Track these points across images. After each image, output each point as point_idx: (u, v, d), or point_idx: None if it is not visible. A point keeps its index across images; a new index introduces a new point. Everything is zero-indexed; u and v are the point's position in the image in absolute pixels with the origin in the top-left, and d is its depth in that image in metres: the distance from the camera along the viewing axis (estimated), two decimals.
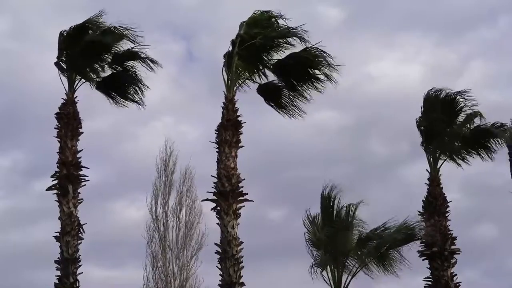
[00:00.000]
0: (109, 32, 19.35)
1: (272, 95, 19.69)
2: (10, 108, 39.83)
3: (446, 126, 19.97)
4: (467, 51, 46.06)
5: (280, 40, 18.79)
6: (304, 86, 19.22)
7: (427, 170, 19.90)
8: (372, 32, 44.99)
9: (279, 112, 19.75)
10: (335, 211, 19.46)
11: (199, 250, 31.27)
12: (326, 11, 43.63)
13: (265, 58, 19.11)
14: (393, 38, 45.53)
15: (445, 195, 19.68)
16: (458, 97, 19.99)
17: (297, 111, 19.64)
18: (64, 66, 19.43)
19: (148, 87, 20.13)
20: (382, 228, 19.11)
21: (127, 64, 19.96)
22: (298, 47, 18.76)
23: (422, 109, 20.12)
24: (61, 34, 19.36)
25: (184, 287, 30.65)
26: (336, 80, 18.64)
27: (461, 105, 20.11)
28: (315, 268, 18.60)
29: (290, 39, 18.72)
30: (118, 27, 19.31)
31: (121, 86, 20.22)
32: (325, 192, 19.43)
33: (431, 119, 19.96)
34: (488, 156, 20.25)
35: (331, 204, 19.52)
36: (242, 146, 18.44)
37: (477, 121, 20.10)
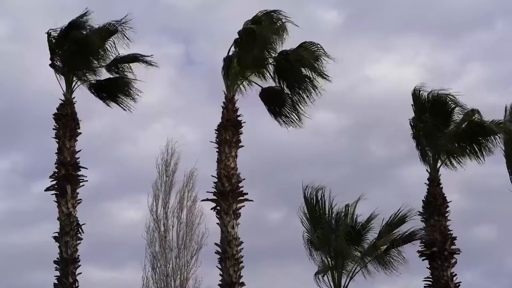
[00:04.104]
0: (99, 30, 19.32)
1: (274, 103, 19.66)
2: (8, 110, 39.81)
3: (440, 126, 19.94)
4: (464, 53, 46.13)
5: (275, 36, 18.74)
6: (302, 86, 19.19)
7: (426, 170, 19.88)
8: (370, 35, 45.03)
9: (279, 122, 19.77)
10: (327, 212, 19.20)
11: (199, 250, 31.29)
12: (324, 14, 43.67)
13: (264, 57, 19.08)
14: (391, 41, 45.54)
15: (444, 195, 19.66)
16: (448, 98, 19.97)
17: (298, 119, 19.65)
18: (60, 65, 19.43)
19: (138, 94, 20.13)
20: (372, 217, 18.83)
21: (123, 66, 19.94)
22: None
23: (413, 108, 20.14)
24: (49, 34, 19.32)
25: (185, 287, 30.62)
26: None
27: (452, 106, 20.08)
28: (319, 275, 18.49)
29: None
30: (109, 24, 19.27)
31: (113, 90, 20.17)
32: (306, 193, 19.04)
33: (423, 119, 20.01)
34: (483, 154, 20.17)
35: (317, 205, 19.17)
36: (242, 146, 18.47)
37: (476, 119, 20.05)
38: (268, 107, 19.76)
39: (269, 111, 19.79)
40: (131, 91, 19.99)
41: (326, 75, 18.81)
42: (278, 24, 18.70)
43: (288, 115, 19.71)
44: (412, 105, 20.16)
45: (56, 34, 19.31)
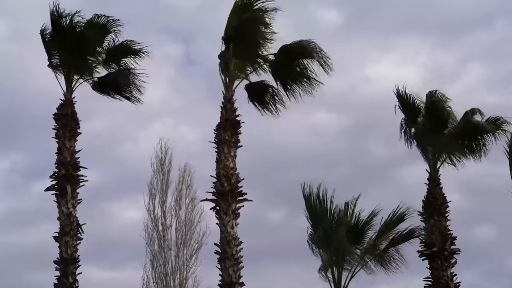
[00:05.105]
0: (91, 25, 19.19)
1: (256, 94, 19.62)
2: (9, 110, 39.87)
3: (435, 126, 20.01)
4: (464, 53, 46.17)
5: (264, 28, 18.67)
6: (297, 83, 19.15)
7: (426, 170, 19.91)
8: (370, 35, 45.09)
9: (260, 110, 19.74)
10: (328, 211, 19.19)
11: (199, 249, 31.22)
12: (324, 14, 43.69)
13: (258, 53, 19.01)
14: (390, 41, 45.58)
15: (444, 195, 19.69)
16: (442, 98, 20.07)
17: (278, 108, 19.63)
18: (58, 64, 19.41)
19: (144, 85, 20.07)
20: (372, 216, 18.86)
21: (123, 61, 19.86)
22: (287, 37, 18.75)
23: (400, 108, 20.20)
24: (42, 34, 19.21)
25: (184, 286, 30.60)
26: (329, 68, 18.54)
27: (446, 107, 20.15)
28: (322, 270, 18.52)
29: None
30: (98, 17, 19.14)
31: (117, 83, 20.02)
32: (305, 191, 18.99)
33: (417, 121, 20.09)
34: (482, 153, 20.19)
35: (318, 203, 19.12)
36: (241, 146, 18.46)
37: (477, 118, 20.10)
38: (250, 98, 19.69)
39: (252, 102, 19.76)
40: (136, 82, 19.89)
41: (326, 67, 18.69)
42: (260, 11, 18.61)
43: (269, 103, 19.67)
44: (398, 106, 20.23)
45: (48, 34, 19.29)
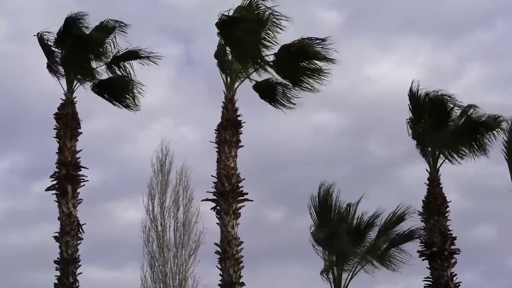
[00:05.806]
0: (97, 28, 19.23)
1: (267, 92, 19.54)
2: (8, 110, 39.83)
3: (439, 125, 20.02)
4: (464, 53, 46.16)
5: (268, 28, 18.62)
6: (302, 80, 19.12)
7: (426, 170, 19.92)
8: (370, 35, 45.04)
9: (274, 106, 19.60)
10: (332, 210, 19.27)
11: (197, 249, 31.29)
12: (324, 14, 43.64)
13: (260, 52, 18.87)
14: (391, 41, 45.57)
15: (444, 195, 19.70)
16: (446, 98, 20.08)
17: (291, 103, 19.50)
18: (58, 66, 19.41)
19: (143, 93, 20.06)
20: (374, 217, 18.89)
21: (127, 66, 19.88)
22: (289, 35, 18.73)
23: (410, 107, 20.20)
24: (40, 37, 19.25)
25: (184, 286, 30.64)
26: (334, 61, 18.51)
27: (450, 105, 20.16)
28: (324, 272, 18.57)
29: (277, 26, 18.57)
30: (107, 21, 19.17)
31: (116, 90, 20.08)
32: (322, 190, 19.08)
33: (422, 119, 20.08)
34: (482, 151, 20.19)
35: (328, 203, 19.22)
36: (242, 146, 18.47)
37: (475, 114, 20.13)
38: (262, 97, 19.62)
39: (263, 99, 19.64)
40: (135, 91, 19.91)
41: (331, 59, 18.55)
42: (261, 13, 18.50)
43: (282, 99, 19.52)
44: (408, 105, 20.25)
45: (51, 35, 19.28)
